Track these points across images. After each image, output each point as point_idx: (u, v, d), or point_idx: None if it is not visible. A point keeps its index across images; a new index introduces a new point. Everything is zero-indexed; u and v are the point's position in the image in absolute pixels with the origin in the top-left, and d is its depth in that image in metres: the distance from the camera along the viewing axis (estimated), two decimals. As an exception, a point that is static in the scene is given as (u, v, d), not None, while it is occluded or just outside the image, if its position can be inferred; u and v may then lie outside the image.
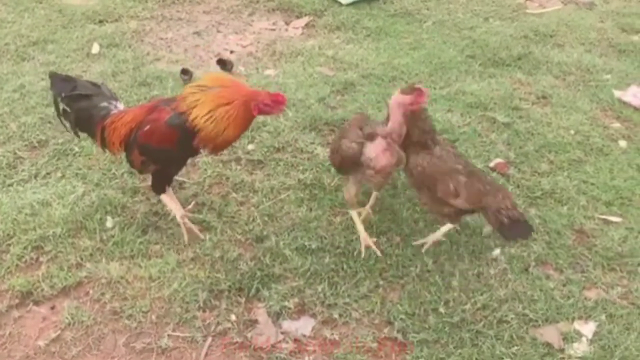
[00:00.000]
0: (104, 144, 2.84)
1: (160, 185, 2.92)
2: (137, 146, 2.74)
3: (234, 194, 3.17)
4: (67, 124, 2.94)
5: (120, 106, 2.87)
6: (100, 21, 4.84)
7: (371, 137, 2.67)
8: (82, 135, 2.97)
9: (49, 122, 3.57)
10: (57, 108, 2.94)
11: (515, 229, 2.61)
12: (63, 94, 2.86)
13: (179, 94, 2.82)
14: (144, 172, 2.92)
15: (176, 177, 3.14)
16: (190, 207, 3.06)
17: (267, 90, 2.86)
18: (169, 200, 2.93)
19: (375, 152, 2.64)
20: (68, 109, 2.88)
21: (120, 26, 4.77)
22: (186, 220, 2.91)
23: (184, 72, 4.11)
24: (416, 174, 2.75)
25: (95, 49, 4.45)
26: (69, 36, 4.60)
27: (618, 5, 5.19)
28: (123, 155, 2.88)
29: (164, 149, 2.71)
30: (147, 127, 2.70)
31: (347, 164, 2.75)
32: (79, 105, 2.85)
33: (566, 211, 3.07)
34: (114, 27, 4.75)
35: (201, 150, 2.78)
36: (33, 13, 4.95)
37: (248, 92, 2.68)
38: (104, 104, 2.84)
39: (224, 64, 4.27)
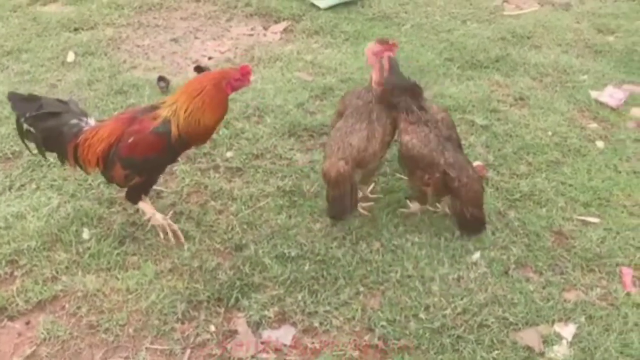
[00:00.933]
0: (77, 163, 2.78)
1: (137, 195, 2.89)
2: (119, 160, 2.69)
3: (212, 203, 3.14)
4: (31, 145, 2.86)
5: (92, 122, 2.81)
6: (76, 29, 4.79)
7: None
8: (50, 155, 2.91)
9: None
10: (19, 129, 2.83)
11: (472, 225, 2.91)
12: (27, 114, 2.76)
13: (156, 101, 2.82)
14: (125, 186, 2.86)
15: (154, 187, 3.11)
16: (168, 216, 3.03)
17: (231, 67, 2.85)
18: (148, 207, 2.90)
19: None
20: (32, 129, 2.78)
21: (96, 34, 4.72)
22: (170, 221, 2.90)
23: (161, 79, 4.07)
24: (402, 150, 2.92)
25: (71, 57, 4.40)
26: (43, 45, 4.54)
27: (593, 6, 5.23)
28: (97, 172, 2.82)
29: (149, 158, 2.68)
30: (131, 139, 2.65)
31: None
32: (47, 125, 2.75)
33: (545, 213, 3.08)
34: (90, 34, 4.70)
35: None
36: (7, 22, 4.89)
37: (215, 74, 2.72)
38: (74, 120, 2.78)
39: (201, 70, 4.23)
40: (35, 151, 2.91)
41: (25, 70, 4.22)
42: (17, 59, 4.37)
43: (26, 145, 2.92)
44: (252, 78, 2.73)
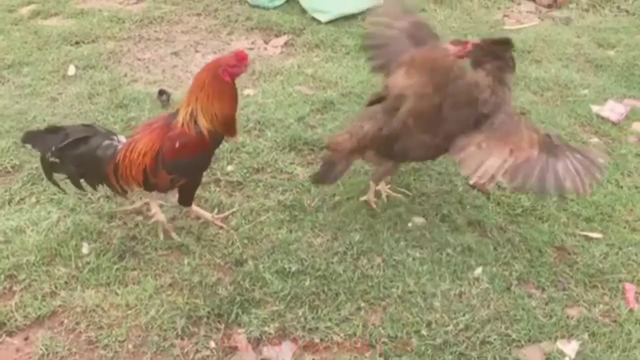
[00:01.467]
0: (119, 183, 2.76)
1: (189, 196, 2.96)
2: (164, 166, 2.72)
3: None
4: (63, 179, 2.81)
5: (123, 139, 2.80)
6: (77, 42, 4.80)
7: None
8: (88, 188, 2.87)
9: (23, 147, 3.51)
10: (45, 167, 2.75)
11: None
12: (53, 148, 2.67)
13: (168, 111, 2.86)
14: (172, 190, 2.91)
15: (158, 200, 3.10)
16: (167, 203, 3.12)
17: (227, 55, 2.82)
18: (198, 209, 3.04)
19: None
20: (60, 161, 2.71)
21: (97, 47, 4.73)
22: (216, 219, 3.05)
23: (162, 93, 4.06)
24: None
25: (71, 70, 4.40)
26: (44, 58, 4.54)
27: (593, 21, 5.25)
28: (138, 190, 2.86)
29: (196, 158, 2.76)
30: (177, 143, 2.69)
31: None
32: (79, 152, 2.69)
33: (547, 228, 3.07)
34: (91, 48, 4.71)
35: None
36: (8, 35, 4.90)
37: (210, 64, 2.73)
38: (107, 142, 2.74)
39: (163, 93, 4.06)
40: (67, 186, 2.88)
41: (25, 84, 4.22)
42: (18, 72, 4.37)
43: (56, 184, 2.85)
44: (247, 62, 2.71)
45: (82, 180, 2.80)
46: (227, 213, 3.12)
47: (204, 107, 2.68)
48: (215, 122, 2.70)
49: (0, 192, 3.24)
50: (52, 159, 2.72)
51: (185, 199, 2.96)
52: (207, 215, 3.06)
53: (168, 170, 2.73)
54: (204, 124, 2.69)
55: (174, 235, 2.98)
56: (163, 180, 2.77)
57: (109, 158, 2.72)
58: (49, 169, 2.77)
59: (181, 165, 2.74)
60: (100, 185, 2.85)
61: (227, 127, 2.77)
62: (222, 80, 2.68)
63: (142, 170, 2.72)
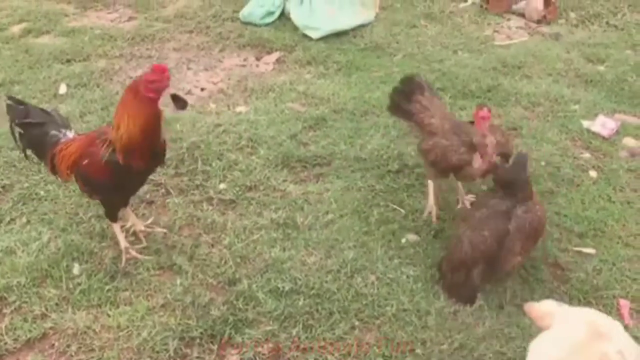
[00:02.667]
0: (54, 171, 2.89)
1: (112, 213, 2.93)
2: (80, 177, 2.78)
3: (205, 236, 3.11)
4: (21, 145, 2.99)
5: (70, 134, 2.89)
6: (68, 60, 4.79)
7: (474, 148, 2.91)
8: (31, 156, 3.03)
9: (14, 166, 3.49)
10: (12, 132, 2.97)
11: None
12: (17, 120, 2.91)
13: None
14: (93, 199, 2.99)
15: (145, 225, 3.10)
16: (149, 222, 3.13)
17: (146, 72, 2.69)
18: (118, 232, 2.94)
19: (478, 162, 2.92)
20: (23, 132, 2.93)
21: (89, 65, 4.72)
22: (130, 252, 2.93)
23: (176, 99, 3.98)
24: None
25: (63, 89, 4.39)
26: (35, 77, 4.54)
27: (583, 36, 5.29)
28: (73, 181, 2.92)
29: (101, 182, 2.72)
30: (86, 160, 2.72)
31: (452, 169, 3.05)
32: (31, 133, 2.90)
33: (540, 244, 3.05)
34: (82, 66, 4.70)
35: (149, 177, 2.91)
36: (-1, 54, 4.89)
37: (131, 85, 2.67)
38: (54, 132, 2.88)
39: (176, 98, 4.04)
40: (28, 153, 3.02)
41: (17, 102, 4.19)
42: (9, 91, 4.34)
43: (19, 146, 3.01)
44: (168, 74, 2.57)
45: (29, 153, 3.00)
46: (140, 246, 3.00)
47: (119, 125, 2.59)
48: (122, 144, 2.57)
49: (-10, 212, 3.22)
50: (17, 130, 2.94)
51: (108, 214, 2.93)
52: (122, 243, 2.92)
53: (82, 181, 2.81)
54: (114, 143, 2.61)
55: (139, 256, 2.94)
56: (82, 188, 2.86)
57: (51, 146, 2.85)
58: (14, 134, 2.98)
59: (90, 182, 2.78)
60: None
61: (130, 153, 2.58)
62: (144, 98, 2.54)
63: (67, 169, 2.81)
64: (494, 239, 2.66)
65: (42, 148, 2.90)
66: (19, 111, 2.93)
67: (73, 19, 5.60)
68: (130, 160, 2.61)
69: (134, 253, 2.95)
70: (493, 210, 2.72)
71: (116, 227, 2.95)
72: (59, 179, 2.98)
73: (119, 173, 2.65)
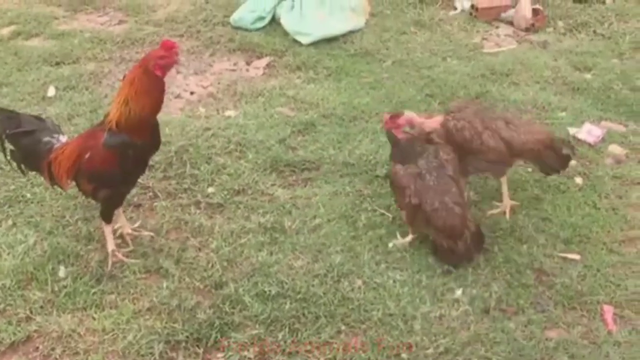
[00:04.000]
0: (52, 181, 2.83)
1: (109, 212, 2.91)
2: (85, 175, 2.74)
3: (192, 239, 3.11)
4: (15, 164, 2.92)
5: (63, 139, 2.86)
6: (57, 63, 4.78)
7: None
8: (31, 173, 2.98)
9: (1, 168, 3.47)
10: (2, 148, 2.89)
11: (446, 256, 3.01)
12: (7, 131, 2.82)
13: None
14: (99, 200, 2.89)
15: (132, 228, 3.09)
16: (136, 225, 3.12)
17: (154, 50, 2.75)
18: (109, 234, 2.92)
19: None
20: (14, 148, 2.85)
21: (78, 68, 4.71)
22: (117, 254, 2.92)
23: None
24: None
25: (51, 91, 4.38)
26: (24, 79, 4.52)
27: (570, 44, 5.34)
28: (74, 187, 2.88)
29: (110, 171, 2.69)
30: (88, 154, 2.69)
31: None
32: (24, 142, 2.81)
33: (526, 250, 3.09)
34: (71, 69, 4.69)
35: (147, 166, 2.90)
36: (-12, 56, 4.87)
37: (140, 62, 2.67)
38: (47, 138, 2.83)
39: None
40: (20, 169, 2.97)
41: (4, 105, 4.14)
42: (-3, 93, 4.34)
43: (10, 163, 2.95)
44: (177, 50, 2.62)
45: (22, 166, 2.91)
46: (126, 249, 3.00)
47: (127, 101, 2.59)
48: (129, 121, 2.58)
49: (-24, 214, 3.20)
50: (7, 143, 2.85)
51: (105, 214, 2.90)
52: (110, 245, 2.92)
53: (88, 179, 2.75)
54: (116, 124, 2.60)
55: (125, 260, 2.93)
56: (85, 187, 2.81)
57: (45, 154, 2.79)
58: (4, 150, 2.90)
59: (97, 176, 2.73)
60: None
61: (140, 129, 2.62)
62: (154, 76, 2.59)
63: (66, 173, 2.76)
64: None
65: (37, 157, 2.81)
66: (10, 121, 2.83)
67: (63, 22, 5.59)
68: (136, 136, 2.64)
69: (120, 256, 2.94)
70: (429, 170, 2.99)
71: (108, 229, 2.92)
72: (60, 188, 2.89)
73: (122, 155, 2.66)
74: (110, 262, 2.91)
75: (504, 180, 3.32)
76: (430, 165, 3.01)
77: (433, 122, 3.21)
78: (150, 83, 2.61)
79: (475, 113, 3.22)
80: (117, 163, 2.69)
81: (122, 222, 3.07)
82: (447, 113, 3.25)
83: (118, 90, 2.72)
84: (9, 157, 2.92)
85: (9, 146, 2.89)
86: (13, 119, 2.86)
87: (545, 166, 3.33)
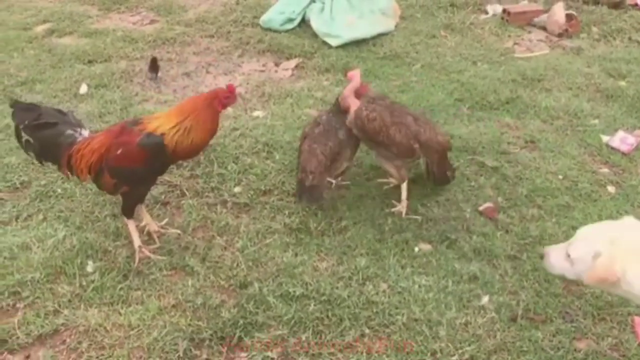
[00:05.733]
0: (70, 171, 2.88)
1: (130, 208, 2.96)
2: (108, 170, 2.78)
3: (218, 238, 3.12)
4: (32, 154, 2.95)
5: (85, 133, 2.91)
6: (90, 61, 4.85)
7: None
8: (47, 163, 3.01)
9: (33, 164, 3.53)
10: (19, 138, 2.93)
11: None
12: (26, 122, 2.86)
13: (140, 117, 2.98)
14: (115, 194, 2.96)
15: (159, 226, 3.12)
16: (163, 223, 3.16)
17: (218, 87, 3.00)
18: (134, 231, 2.97)
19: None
20: (31, 140, 2.88)
21: (110, 66, 4.77)
22: (143, 251, 2.96)
23: (154, 66, 4.39)
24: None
25: (83, 89, 4.45)
26: (57, 76, 4.60)
27: (604, 51, 5.25)
28: (89, 180, 2.92)
29: (135, 169, 2.77)
30: (119, 150, 2.75)
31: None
32: (44, 134, 2.85)
33: (555, 258, 3.02)
34: (103, 67, 4.76)
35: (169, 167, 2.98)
36: (23, 53, 4.96)
37: (207, 95, 2.88)
38: (70, 131, 2.88)
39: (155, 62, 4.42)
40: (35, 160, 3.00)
41: (37, 101, 4.23)
42: (31, 90, 4.42)
43: (27, 153, 2.97)
44: (238, 92, 2.93)
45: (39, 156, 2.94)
46: (153, 246, 3.04)
47: (187, 129, 2.75)
48: (185, 145, 2.75)
49: (8, 208, 3.25)
50: (24, 135, 2.88)
51: (126, 209, 2.95)
52: (136, 242, 2.96)
53: (111, 174, 2.80)
54: (172, 142, 2.73)
55: (152, 256, 2.97)
56: (107, 182, 2.85)
57: (67, 147, 2.85)
58: (21, 140, 2.91)
59: (121, 172, 2.80)
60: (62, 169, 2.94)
61: (194, 153, 2.89)
62: (215, 111, 2.82)
63: (88, 167, 2.81)
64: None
65: (57, 149, 2.87)
66: (29, 113, 2.87)
67: (96, 20, 5.68)
68: (181, 155, 2.82)
69: (147, 252, 2.96)
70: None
71: (131, 225, 2.97)
72: (79, 178, 2.93)
73: (154, 157, 2.76)
74: (137, 259, 2.93)
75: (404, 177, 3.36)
76: (331, 124, 3.31)
77: (353, 104, 3.29)
78: (212, 116, 2.82)
79: (387, 106, 3.30)
80: (147, 162, 2.76)
81: (148, 219, 3.10)
82: (363, 101, 3.32)
83: (172, 111, 2.84)
84: (26, 148, 2.96)
85: (25, 137, 2.91)
86: (32, 111, 2.90)
87: (432, 172, 3.42)
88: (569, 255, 2.26)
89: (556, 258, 2.32)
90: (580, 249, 2.23)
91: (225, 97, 2.85)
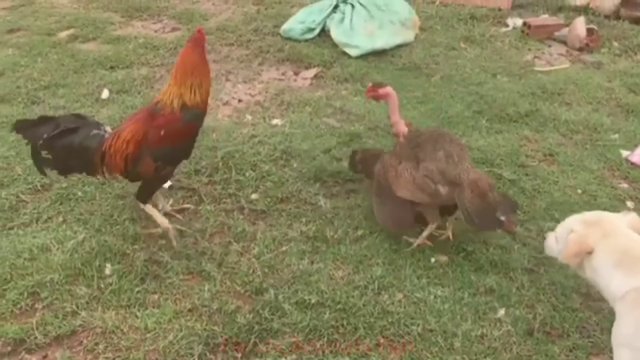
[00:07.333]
0: (106, 170, 2.93)
1: (151, 192, 3.07)
2: (151, 154, 2.88)
3: (235, 244, 3.14)
4: (53, 171, 2.98)
5: (109, 129, 2.97)
6: (112, 67, 4.92)
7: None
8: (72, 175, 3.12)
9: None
10: (37, 158, 2.91)
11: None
12: (45, 136, 2.85)
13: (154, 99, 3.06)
14: (154, 178, 3.01)
15: (177, 226, 3.14)
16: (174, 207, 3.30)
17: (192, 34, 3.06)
18: (157, 214, 3.08)
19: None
20: (51, 155, 2.88)
21: (131, 72, 4.84)
22: (171, 228, 3.08)
23: None
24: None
25: (105, 94, 4.51)
26: (79, 81, 4.66)
27: (626, 66, 5.22)
28: (120, 177, 3.01)
29: (177, 146, 2.95)
30: (162, 132, 2.85)
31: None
32: (70, 140, 2.86)
33: (572, 273, 2.98)
34: (125, 73, 4.82)
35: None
36: (46, 58, 5.04)
37: (190, 46, 2.96)
38: (95, 131, 2.93)
39: None
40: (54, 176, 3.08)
41: (60, 105, 4.32)
42: (54, 94, 4.48)
43: (44, 173, 3.00)
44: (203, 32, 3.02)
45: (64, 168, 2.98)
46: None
47: (201, 82, 2.90)
48: (207, 98, 2.94)
49: (29, 209, 3.30)
50: (43, 153, 2.89)
51: (145, 194, 3.03)
52: (163, 222, 3.07)
53: (154, 157, 2.88)
54: (198, 103, 2.90)
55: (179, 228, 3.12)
56: (147, 167, 2.91)
57: (97, 147, 2.89)
58: (39, 160, 2.92)
59: (166, 153, 2.90)
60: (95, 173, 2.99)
61: (205, 103, 2.97)
62: (204, 54, 2.94)
63: (125, 158, 2.87)
64: None
65: (88, 152, 2.88)
66: (45, 127, 2.85)
67: (119, 27, 5.76)
68: (203, 108, 2.97)
69: (174, 232, 3.07)
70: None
71: (154, 211, 3.07)
72: (113, 175, 2.99)
73: (198, 127, 2.98)
74: (173, 240, 3.05)
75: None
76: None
77: (401, 126, 3.31)
78: (205, 60, 2.97)
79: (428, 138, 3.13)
80: (192, 135, 2.98)
81: (162, 203, 3.22)
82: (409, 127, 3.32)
83: (179, 76, 2.91)
84: (41, 167, 2.97)
85: (44, 155, 2.91)
86: (46, 123, 2.88)
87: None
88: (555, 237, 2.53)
89: (550, 240, 2.58)
90: (561, 228, 2.50)
91: (202, 39, 2.95)
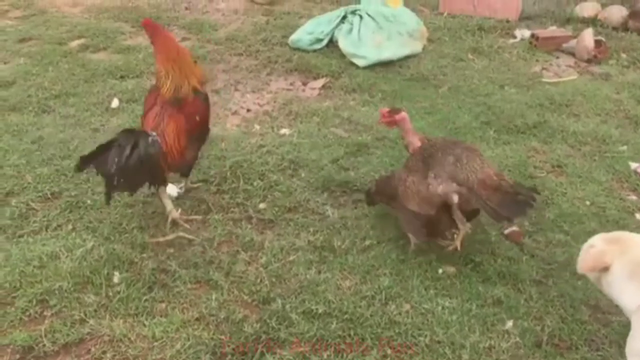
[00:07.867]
0: (171, 169, 3.11)
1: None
2: (196, 140, 3.19)
3: (242, 253, 3.14)
4: (123, 193, 3.24)
5: (153, 132, 3.04)
6: (122, 76, 4.96)
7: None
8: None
9: (64, 175, 3.61)
10: (110, 188, 2.86)
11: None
12: (116, 160, 2.78)
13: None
14: (194, 162, 3.33)
15: (184, 234, 3.16)
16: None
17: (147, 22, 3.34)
18: (165, 197, 3.26)
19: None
20: (122, 178, 2.82)
21: (141, 82, 4.87)
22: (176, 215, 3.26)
23: None
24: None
25: (115, 103, 4.54)
26: (90, 90, 4.70)
27: (634, 77, 5.21)
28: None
29: (208, 125, 3.34)
30: (197, 117, 3.15)
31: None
32: (138, 156, 2.86)
33: (581, 285, 2.99)
34: (135, 82, 4.86)
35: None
36: (57, 67, 5.09)
37: (161, 37, 3.23)
38: (150, 138, 2.99)
39: None
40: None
41: (70, 114, 4.36)
42: (64, 103, 4.52)
43: (111, 197, 2.98)
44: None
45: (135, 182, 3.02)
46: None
47: (187, 62, 3.20)
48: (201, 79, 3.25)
49: (38, 217, 3.32)
50: (117, 178, 2.80)
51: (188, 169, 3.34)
52: (173, 211, 3.25)
53: (199, 141, 3.20)
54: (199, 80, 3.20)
55: (182, 228, 3.25)
56: (194, 154, 3.24)
57: (159, 151, 3.00)
58: (113, 187, 2.85)
59: (203, 135, 3.29)
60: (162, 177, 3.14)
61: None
62: (170, 35, 3.31)
63: (180, 152, 3.07)
64: None
65: (153, 159, 2.94)
66: (110, 151, 2.80)
67: (129, 37, 5.81)
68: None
69: (182, 224, 3.24)
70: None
71: (164, 193, 3.23)
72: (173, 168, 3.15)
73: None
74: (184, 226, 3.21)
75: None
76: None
77: (415, 141, 3.26)
78: (174, 40, 3.31)
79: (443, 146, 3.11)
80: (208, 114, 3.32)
81: (170, 206, 3.27)
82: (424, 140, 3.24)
83: (165, 64, 3.14)
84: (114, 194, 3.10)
85: (117, 180, 2.84)
86: (109, 148, 2.81)
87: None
88: None
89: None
90: (584, 244, 2.58)
91: (151, 23, 3.26)
